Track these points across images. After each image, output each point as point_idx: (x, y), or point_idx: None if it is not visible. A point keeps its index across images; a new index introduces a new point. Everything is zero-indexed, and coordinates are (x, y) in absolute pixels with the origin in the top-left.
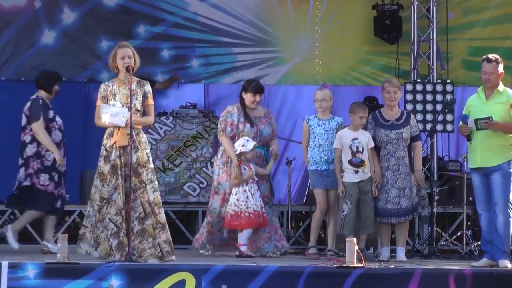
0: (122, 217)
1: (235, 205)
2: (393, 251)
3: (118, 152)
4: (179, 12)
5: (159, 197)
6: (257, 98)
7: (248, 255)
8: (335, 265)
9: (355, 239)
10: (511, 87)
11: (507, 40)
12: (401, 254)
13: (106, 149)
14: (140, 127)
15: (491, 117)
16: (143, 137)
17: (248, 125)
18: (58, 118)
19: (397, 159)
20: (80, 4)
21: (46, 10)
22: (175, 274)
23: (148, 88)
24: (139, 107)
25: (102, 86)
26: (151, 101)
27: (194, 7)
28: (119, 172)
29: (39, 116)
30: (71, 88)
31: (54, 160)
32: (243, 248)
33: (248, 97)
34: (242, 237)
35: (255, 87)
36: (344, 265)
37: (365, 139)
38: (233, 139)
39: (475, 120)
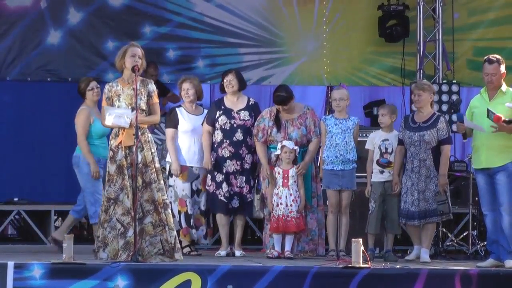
0: (130, 217)
1: (276, 209)
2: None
3: (124, 152)
4: (185, 13)
5: (163, 197)
6: (285, 107)
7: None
8: (341, 265)
9: (360, 240)
10: None
11: None
12: (425, 256)
13: (111, 149)
14: (146, 126)
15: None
16: (149, 136)
17: (274, 130)
18: None
19: (418, 162)
20: (85, 5)
21: (51, 10)
22: (181, 274)
23: (152, 87)
24: (144, 106)
25: (107, 87)
26: (156, 99)
27: (200, 7)
28: (126, 172)
29: None
30: (77, 88)
31: (216, 161)
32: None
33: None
34: (276, 243)
35: (274, 99)
36: (350, 265)
37: (396, 141)
38: (265, 144)
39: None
